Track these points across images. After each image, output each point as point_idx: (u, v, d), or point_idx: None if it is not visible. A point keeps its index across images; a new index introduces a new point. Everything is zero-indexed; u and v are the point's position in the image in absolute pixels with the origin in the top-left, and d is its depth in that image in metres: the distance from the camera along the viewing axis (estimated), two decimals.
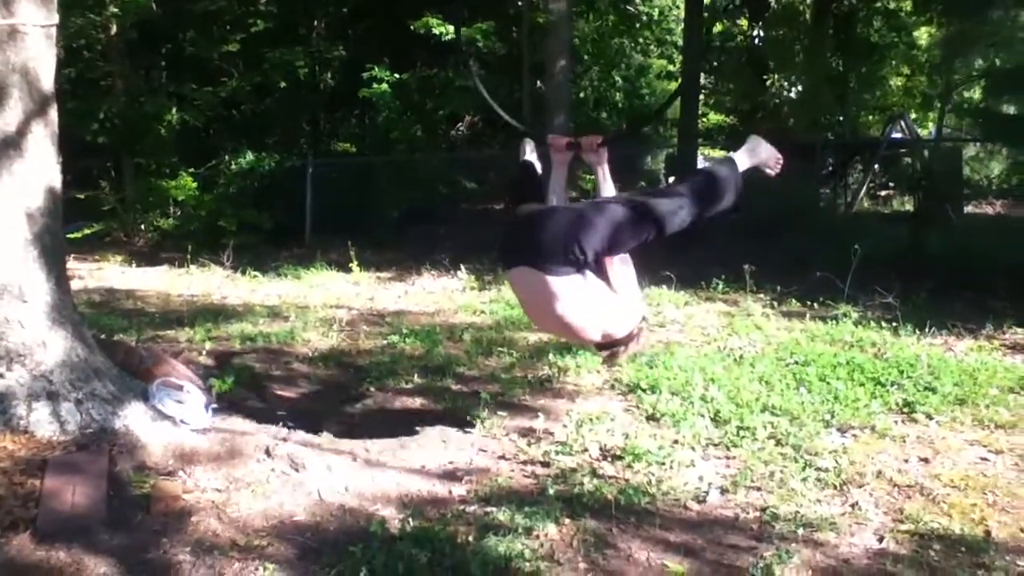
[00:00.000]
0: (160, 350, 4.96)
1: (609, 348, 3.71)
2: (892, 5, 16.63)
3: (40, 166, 3.55)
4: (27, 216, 3.49)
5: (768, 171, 3.74)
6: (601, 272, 3.47)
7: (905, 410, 4.51)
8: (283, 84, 15.90)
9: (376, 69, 14.00)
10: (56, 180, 3.66)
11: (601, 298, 3.46)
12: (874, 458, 3.85)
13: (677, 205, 3.43)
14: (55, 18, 3.62)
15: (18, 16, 3.43)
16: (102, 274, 10.34)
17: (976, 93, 16.39)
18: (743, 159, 3.66)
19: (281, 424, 4.04)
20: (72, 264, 8.09)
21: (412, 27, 13.71)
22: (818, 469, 3.68)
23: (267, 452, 3.60)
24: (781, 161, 3.72)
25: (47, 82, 3.60)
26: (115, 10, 13.90)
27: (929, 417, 4.41)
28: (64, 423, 3.37)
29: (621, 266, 3.57)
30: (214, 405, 4.05)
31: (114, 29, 14.66)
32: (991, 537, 3.09)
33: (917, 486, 3.54)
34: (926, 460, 3.85)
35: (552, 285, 3.31)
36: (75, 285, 5.58)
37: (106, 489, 3.10)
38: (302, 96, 16.65)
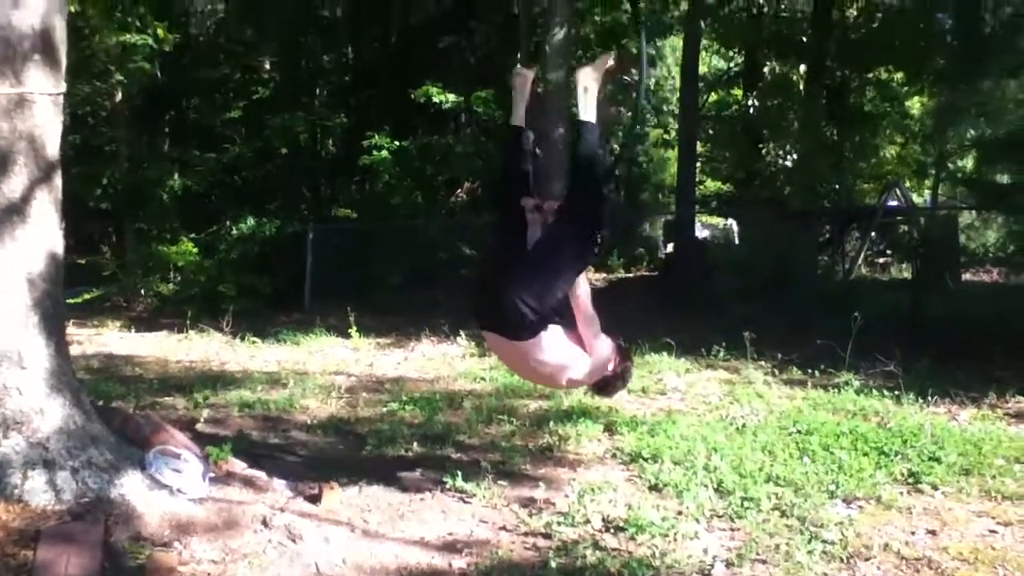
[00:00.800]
0: (158, 418, 4.91)
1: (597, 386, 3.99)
2: (884, 76, 16.93)
3: (43, 232, 3.56)
4: (28, 282, 3.48)
5: (611, 66, 3.79)
6: (568, 323, 3.68)
7: (910, 480, 4.47)
8: (284, 150, 16.08)
9: (377, 136, 14.19)
10: (58, 246, 3.66)
11: (567, 354, 3.66)
12: (880, 530, 3.80)
13: (585, 182, 3.80)
14: (63, 87, 3.67)
15: (27, 85, 3.47)
16: (101, 339, 10.31)
17: (969, 162, 16.60)
18: (590, 106, 3.69)
19: (278, 494, 3.99)
20: (71, 329, 8.07)
21: (412, 95, 13.95)
22: (824, 541, 3.62)
23: (264, 522, 3.53)
24: (612, 60, 3.82)
25: (53, 149, 3.62)
26: (120, 78, 14.12)
27: (935, 488, 4.36)
28: (60, 492, 3.32)
29: (585, 325, 3.71)
30: (211, 474, 4.00)
31: (119, 96, 14.89)
32: None
33: (925, 559, 3.49)
34: (933, 532, 3.80)
35: (521, 348, 3.59)
36: (74, 351, 5.56)
37: (101, 560, 3.03)
38: (303, 162, 16.82)
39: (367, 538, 3.62)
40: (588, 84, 3.69)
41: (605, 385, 3.97)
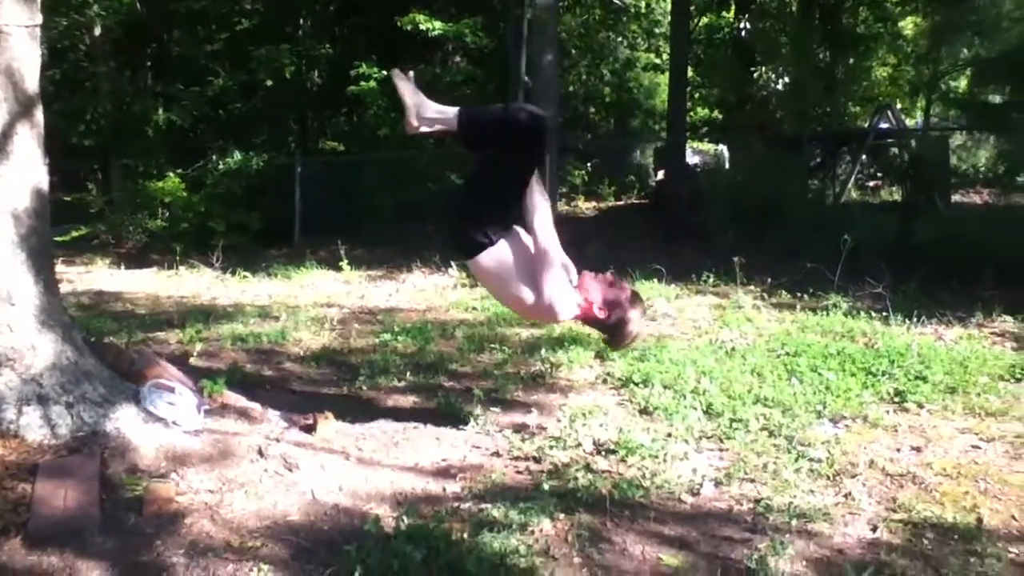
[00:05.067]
0: (151, 352, 4.94)
1: (603, 328, 3.83)
2: None
3: (26, 168, 3.52)
4: (14, 218, 3.45)
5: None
6: (513, 241, 3.66)
7: (896, 399, 4.54)
8: (270, 83, 15.82)
9: (364, 66, 13.95)
10: (43, 182, 3.63)
11: (518, 273, 3.61)
12: (866, 448, 3.86)
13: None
14: (38, 18, 3.59)
15: (1, 17, 3.40)
16: (91, 277, 10.29)
17: (962, 82, 16.41)
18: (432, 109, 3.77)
19: (273, 424, 4.03)
20: (60, 267, 8.06)
21: (399, 23, 13.68)
22: (811, 460, 3.69)
23: (260, 452, 3.58)
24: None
25: (31, 83, 3.56)
26: (99, 10, 13.81)
27: (920, 406, 4.43)
28: (55, 427, 3.35)
29: (538, 247, 3.62)
30: (206, 406, 4.04)
31: (98, 30, 14.58)
32: (983, 524, 3.11)
33: (909, 475, 3.56)
34: (918, 449, 3.87)
35: (473, 267, 3.70)
36: (64, 288, 5.56)
37: (98, 492, 3.08)
38: (289, 94, 16.57)
39: (362, 465, 3.67)
40: (417, 101, 3.72)
41: (605, 332, 3.85)
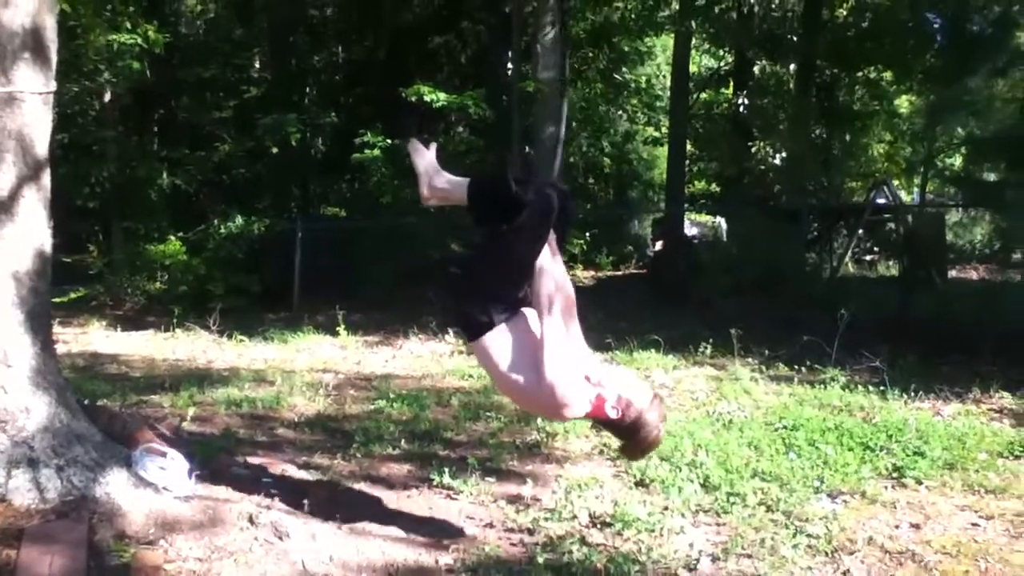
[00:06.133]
0: (144, 416, 4.91)
1: (616, 431, 3.35)
2: (873, 74, 17.02)
3: (31, 230, 3.55)
4: (15, 280, 3.46)
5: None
6: (517, 325, 3.29)
7: (895, 475, 4.50)
8: (275, 150, 16.05)
9: (368, 134, 14.16)
10: (47, 244, 3.65)
11: (519, 362, 3.22)
12: (865, 524, 3.82)
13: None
14: (52, 85, 3.66)
15: (16, 83, 3.46)
16: (87, 338, 10.27)
17: (957, 160, 16.68)
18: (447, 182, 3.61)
19: (265, 491, 3.99)
20: (57, 328, 8.04)
21: (404, 94, 13.93)
22: (809, 536, 3.64)
23: (250, 520, 3.53)
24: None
25: (42, 148, 3.61)
26: (110, 77, 14.08)
27: (919, 482, 4.39)
28: (44, 491, 3.31)
29: (545, 333, 3.21)
30: (197, 472, 3.99)
31: (108, 96, 14.84)
32: None
33: (909, 552, 3.51)
34: (917, 526, 3.82)
35: (475, 349, 3.40)
36: (59, 349, 5.54)
37: (85, 560, 3.02)
38: (293, 161, 16.80)
39: (354, 535, 3.62)
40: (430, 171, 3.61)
41: (619, 435, 3.35)
